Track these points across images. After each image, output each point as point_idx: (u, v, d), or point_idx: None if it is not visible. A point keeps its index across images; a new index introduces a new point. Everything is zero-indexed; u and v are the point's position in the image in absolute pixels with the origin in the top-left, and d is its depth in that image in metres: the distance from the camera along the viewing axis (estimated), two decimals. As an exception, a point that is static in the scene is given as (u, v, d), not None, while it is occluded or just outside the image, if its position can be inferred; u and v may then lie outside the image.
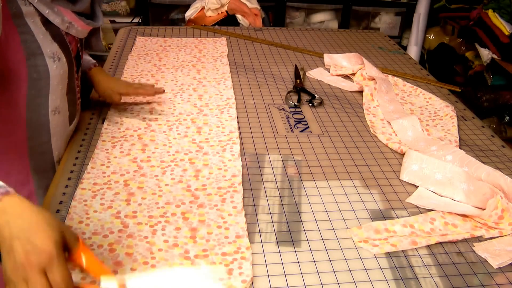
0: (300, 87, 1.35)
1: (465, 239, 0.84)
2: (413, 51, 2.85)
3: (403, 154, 1.06)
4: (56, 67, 0.89)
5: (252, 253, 0.77)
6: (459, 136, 1.15)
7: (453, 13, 2.89)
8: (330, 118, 1.23)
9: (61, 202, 0.86)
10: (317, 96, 1.31)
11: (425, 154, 1.01)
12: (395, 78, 1.44)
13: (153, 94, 1.18)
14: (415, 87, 1.39)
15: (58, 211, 0.84)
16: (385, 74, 1.43)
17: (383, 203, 0.92)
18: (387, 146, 1.12)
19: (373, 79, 1.36)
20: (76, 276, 0.70)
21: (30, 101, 0.88)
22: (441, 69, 2.83)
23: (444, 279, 0.75)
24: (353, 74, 1.45)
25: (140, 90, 1.17)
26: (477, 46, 2.53)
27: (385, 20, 3.07)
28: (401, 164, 1.03)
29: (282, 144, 1.10)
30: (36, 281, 0.56)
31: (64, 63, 0.91)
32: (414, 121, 1.15)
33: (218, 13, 2.47)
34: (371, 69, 1.39)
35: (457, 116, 1.24)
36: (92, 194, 0.88)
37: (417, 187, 0.97)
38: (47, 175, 0.97)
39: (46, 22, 0.87)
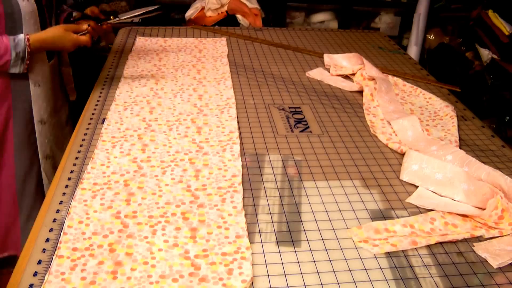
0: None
1: (465, 239, 0.84)
2: (413, 51, 2.84)
3: (403, 154, 1.06)
4: (25, 5, 1.15)
5: (252, 253, 0.77)
6: (459, 136, 1.15)
7: (453, 13, 2.89)
8: (330, 118, 1.23)
9: (61, 202, 0.86)
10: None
11: (425, 154, 1.01)
12: (395, 78, 1.44)
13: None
14: (415, 87, 1.39)
15: (58, 211, 0.84)
16: (385, 74, 1.43)
17: (383, 203, 0.92)
18: (387, 146, 1.11)
19: (373, 79, 1.36)
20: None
21: (8, 32, 1.14)
22: (441, 69, 2.83)
23: (444, 279, 0.75)
24: (353, 74, 1.45)
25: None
26: (477, 46, 2.53)
27: (385, 20, 3.06)
28: (401, 164, 1.03)
29: (282, 144, 1.10)
30: None
31: (33, 3, 1.17)
32: (414, 121, 1.15)
33: (218, 13, 2.47)
34: (371, 69, 1.39)
35: (457, 116, 1.24)
36: (92, 194, 0.88)
37: (417, 187, 0.97)
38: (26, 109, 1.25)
39: None
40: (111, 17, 1.31)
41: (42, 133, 1.29)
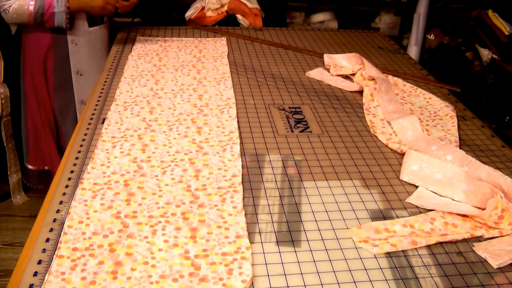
0: None
1: (465, 239, 0.84)
2: (413, 51, 2.84)
3: (403, 154, 1.06)
4: None
5: (252, 253, 0.77)
6: (459, 136, 1.15)
7: (453, 13, 2.89)
8: (330, 118, 1.23)
9: (61, 202, 0.87)
10: None
11: (425, 154, 1.01)
12: (395, 78, 1.44)
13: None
14: (415, 87, 1.39)
15: (58, 211, 0.84)
16: (385, 74, 1.43)
17: (383, 203, 0.92)
18: (387, 146, 1.12)
19: (373, 79, 1.36)
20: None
21: None
22: (441, 69, 2.83)
23: (444, 279, 0.75)
24: (353, 74, 1.45)
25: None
26: (477, 46, 2.53)
27: (385, 20, 3.06)
28: (401, 164, 1.03)
29: (282, 144, 1.10)
30: None
31: None
32: (414, 121, 1.15)
33: (218, 13, 2.47)
34: (371, 69, 1.39)
35: (457, 116, 1.24)
36: (92, 194, 0.88)
37: (417, 187, 0.97)
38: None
39: None
40: None
41: (79, 82, 1.57)
